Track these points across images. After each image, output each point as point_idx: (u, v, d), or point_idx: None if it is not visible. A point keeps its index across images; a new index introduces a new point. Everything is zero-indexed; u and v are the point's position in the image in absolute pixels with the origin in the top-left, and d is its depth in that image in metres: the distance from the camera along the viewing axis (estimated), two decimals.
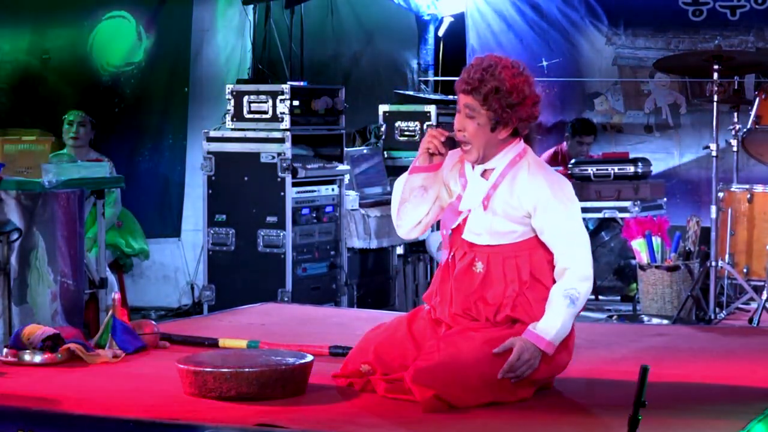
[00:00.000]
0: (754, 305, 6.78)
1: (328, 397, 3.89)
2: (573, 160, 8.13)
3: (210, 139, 7.29)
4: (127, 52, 8.23)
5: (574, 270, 3.82)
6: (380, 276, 7.75)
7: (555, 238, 3.83)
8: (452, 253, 3.94)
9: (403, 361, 3.90)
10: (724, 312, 6.76)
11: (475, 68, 3.84)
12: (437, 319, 3.98)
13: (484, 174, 3.91)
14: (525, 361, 3.73)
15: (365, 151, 8.05)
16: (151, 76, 8.22)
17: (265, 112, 7.16)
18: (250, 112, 7.20)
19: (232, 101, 7.23)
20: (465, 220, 3.91)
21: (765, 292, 6.55)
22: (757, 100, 6.97)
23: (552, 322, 3.77)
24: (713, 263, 6.73)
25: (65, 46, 8.27)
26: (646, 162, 8.01)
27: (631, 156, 8.12)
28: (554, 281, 3.87)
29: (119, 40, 8.23)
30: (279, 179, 7.08)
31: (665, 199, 8.08)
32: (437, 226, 4.33)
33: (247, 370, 3.80)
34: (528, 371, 3.75)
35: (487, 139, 3.85)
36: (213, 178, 7.24)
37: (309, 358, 3.99)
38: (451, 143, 3.91)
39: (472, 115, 3.84)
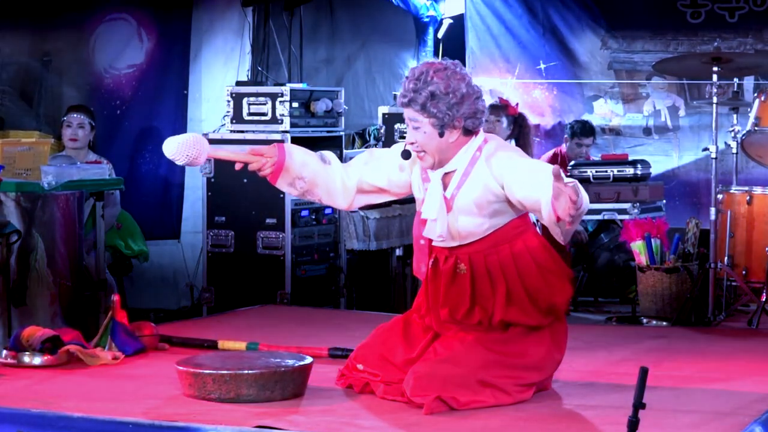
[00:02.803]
0: (753, 307, 6.78)
1: (328, 398, 3.90)
2: (572, 162, 8.13)
3: (209, 141, 7.27)
4: (129, 54, 8.22)
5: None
6: (379, 278, 7.75)
7: (522, 182, 3.75)
8: (433, 260, 3.95)
9: (396, 362, 3.92)
10: (723, 314, 6.75)
11: (409, 80, 3.88)
12: (429, 326, 4.00)
13: (445, 177, 3.93)
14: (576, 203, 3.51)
15: None
16: (151, 78, 8.22)
17: (265, 114, 7.16)
18: (250, 113, 7.20)
19: (232, 103, 7.23)
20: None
21: (764, 294, 6.55)
22: (757, 101, 6.97)
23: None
24: (712, 265, 6.73)
25: (66, 47, 8.26)
26: (645, 164, 8.01)
27: (630, 158, 8.13)
28: (539, 271, 3.87)
29: (120, 42, 8.22)
30: None
31: (664, 201, 8.08)
32: None
33: (246, 372, 3.80)
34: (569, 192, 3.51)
35: (437, 144, 3.88)
36: (212, 179, 7.24)
37: (308, 360, 4.00)
38: (407, 155, 3.96)
39: (417, 125, 3.88)
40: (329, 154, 4.13)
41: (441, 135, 3.85)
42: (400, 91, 3.94)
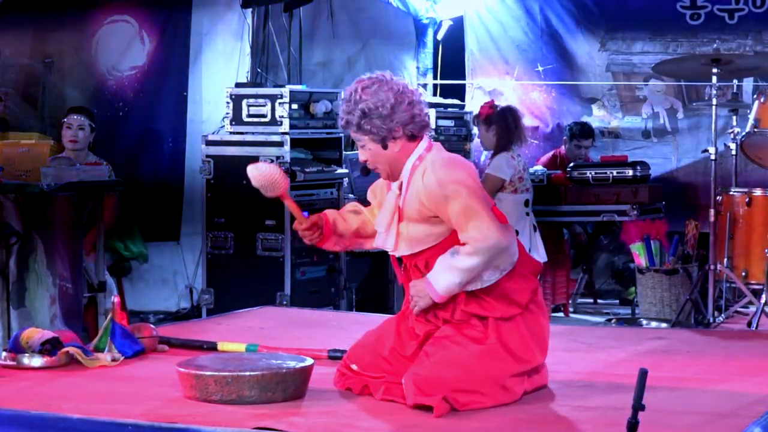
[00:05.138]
0: (752, 309, 6.79)
1: (327, 400, 3.90)
2: (572, 164, 8.14)
3: (209, 143, 7.29)
4: (131, 56, 8.23)
5: (466, 247, 3.83)
6: (379, 280, 7.75)
7: (456, 225, 3.86)
8: (403, 267, 4.05)
9: (389, 358, 3.94)
10: (722, 315, 6.75)
11: (343, 102, 3.97)
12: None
13: (400, 186, 3.99)
14: (413, 292, 3.93)
15: None
16: (153, 80, 8.22)
17: (264, 116, 7.16)
18: (249, 115, 7.20)
19: (231, 104, 7.23)
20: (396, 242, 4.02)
21: (764, 296, 6.55)
22: (756, 103, 6.97)
23: (434, 270, 3.88)
24: (712, 267, 6.73)
25: (68, 50, 8.26)
26: (644, 165, 8.01)
27: (630, 160, 8.13)
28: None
29: (122, 44, 8.23)
30: None
31: (664, 202, 8.08)
32: None
33: (248, 373, 3.80)
34: (416, 302, 3.92)
35: (385, 157, 3.94)
36: (212, 181, 7.24)
37: (309, 361, 4.00)
38: (366, 171, 4.04)
39: (362, 144, 3.96)
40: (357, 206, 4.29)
41: (385, 147, 3.92)
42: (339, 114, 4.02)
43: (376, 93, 3.89)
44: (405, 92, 3.92)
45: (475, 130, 8.65)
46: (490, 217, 3.85)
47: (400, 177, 3.97)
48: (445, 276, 3.85)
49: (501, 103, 8.09)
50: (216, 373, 3.80)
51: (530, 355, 3.93)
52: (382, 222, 4.02)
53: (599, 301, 8.55)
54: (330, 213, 4.23)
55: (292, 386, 3.85)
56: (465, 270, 3.82)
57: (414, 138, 3.93)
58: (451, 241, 3.90)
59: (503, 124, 7.20)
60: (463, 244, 3.83)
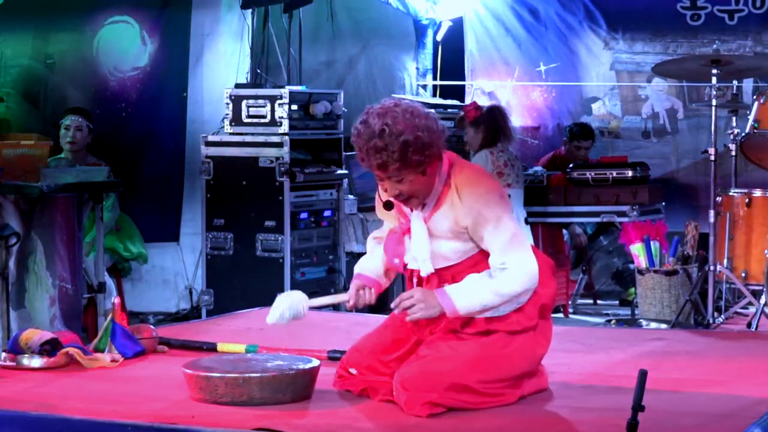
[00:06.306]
0: (752, 309, 6.78)
1: (329, 401, 3.90)
2: (571, 164, 8.13)
3: (208, 144, 7.29)
4: (133, 57, 8.23)
5: (509, 273, 3.77)
6: None
7: (490, 248, 3.80)
8: (417, 279, 3.96)
9: (388, 361, 3.94)
10: (722, 316, 6.75)
11: (368, 139, 3.72)
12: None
13: (422, 209, 3.90)
14: (415, 299, 3.75)
15: None
16: (154, 81, 8.22)
17: (264, 117, 7.16)
18: (249, 116, 7.20)
19: (231, 105, 7.23)
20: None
21: (763, 297, 6.55)
22: (756, 104, 6.97)
23: (461, 286, 3.77)
24: (711, 267, 6.72)
25: (68, 50, 8.26)
26: (644, 166, 8.01)
27: (629, 160, 8.12)
28: None
29: (124, 45, 8.22)
30: (277, 183, 7.08)
31: (664, 203, 8.08)
32: None
33: (259, 375, 3.79)
34: (415, 311, 3.75)
35: (424, 183, 3.81)
36: (211, 182, 7.24)
37: (316, 362, 3.99)
38: (390, 206, 3.90)
39: (400, 179, 3.78)
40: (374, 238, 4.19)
41: (424, 174, 3.79)
42: (361, 153, 3.76)
43: (410, 120, 3.72)
44: (426, 112, 3.80)
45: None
46: (530, 252, 3.83)
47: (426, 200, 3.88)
48: (473, 296, 3.74)
49: (501, 104, 8.09)
50: (226, 375, 3.79)
51: (529, 361, 3.91)
52: (419, 250, 3.89)
53: (599, 302, 8.55)
54: (363, 269, 4.10)
55: (301, 387, 3.85)
56: (499, 295, 3.74)
57: (440, 156, 3.84)
58: (478, 257, 3.85)
59: (491, 123, 7.22)
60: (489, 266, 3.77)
